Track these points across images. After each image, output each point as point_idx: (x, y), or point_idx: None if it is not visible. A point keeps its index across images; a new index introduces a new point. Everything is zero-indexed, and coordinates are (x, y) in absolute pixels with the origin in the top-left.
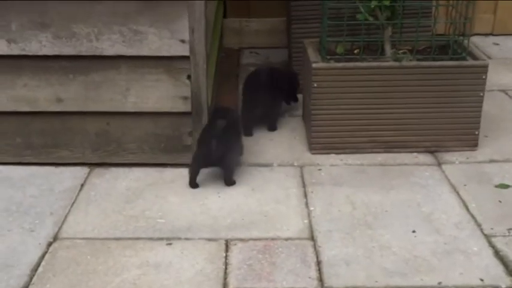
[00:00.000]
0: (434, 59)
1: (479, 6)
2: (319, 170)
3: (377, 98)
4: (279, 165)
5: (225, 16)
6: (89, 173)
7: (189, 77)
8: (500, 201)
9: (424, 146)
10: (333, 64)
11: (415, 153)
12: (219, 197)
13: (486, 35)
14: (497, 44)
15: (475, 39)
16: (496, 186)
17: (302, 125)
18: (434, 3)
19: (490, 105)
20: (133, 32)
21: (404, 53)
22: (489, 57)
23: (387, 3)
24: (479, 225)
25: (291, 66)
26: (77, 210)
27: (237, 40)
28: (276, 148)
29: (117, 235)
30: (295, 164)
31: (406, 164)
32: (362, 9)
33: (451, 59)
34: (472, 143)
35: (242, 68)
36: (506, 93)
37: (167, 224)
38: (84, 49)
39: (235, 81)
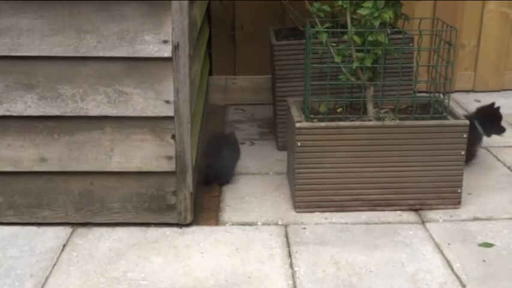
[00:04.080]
0: (416, 118)
1: (460, 63)
2: (304, 228)
3: (360, 156)
4: (264, 224)
5: (211, 73)
6: (71, 233)
7: (173, 136)
8: (484, 261)
9: (408, 204)
10: (316, 123)
11: (399, 212)
12: (203, 257)
13: (467, 91)
14: (479, 101)
15: (456, 96)
16: (480, 245)
17: (286, 183)
18: (414, 63)
19: (473, 162)
20: (118, 93)
21: (386, 112)
22: None
23: (369, 64)
24: (464, 285)
25: (275, 123)
26: (58, 272)
27: (222, 97)
28: (261, 206)
29: None
30: (280, 223)
31: (390, 223)
32: (344, 70)
33: (432, 118)
34: (455, 201)
35: (228, 125)
36: (488, 150)
37: (150, 286)
38: (69, 110)
39: None
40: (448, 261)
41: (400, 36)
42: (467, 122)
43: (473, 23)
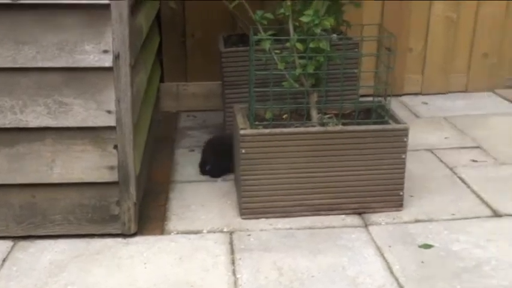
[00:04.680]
0: (358, 123)
1: (408, 67)
2: (249, 235)
3: (304, 162)
4: (209, 231)
5: (162, 80)
6: (12, 247)
7: (115, 146)
8: (422, 262)
9: (352, 208)
10: (260, 130)
11: (343, 216)
12: (146, 267)
13: (416, 94)
14: (426, 103)
15: (405, 99)
16: (420, 247)
17: (234, 190)
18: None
19: (416, 164)
20: (58, 103)
21: (330, 117)
22: (418, 116)
23: (311, 70)
24: (401, 287)
25: (225, 130)
26: None
27: (175, 104)
28: (207, 214)
29: None
30: (225, 230)
31: (334, 227)
32: (288, 77)
33: (374, 123)
34: (398, 204)
35: (179, 132)
36: (432, 152)
37: None
38: (8, 121)
39: (170, 145)
40: (388, 264)
41: (347, 42)
42: (407, 126)
43: (420, 27)
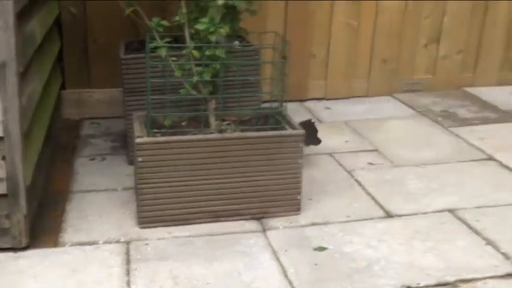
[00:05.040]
0: (256, 130)
1: (312, 72)
2: (146, 244)
3: (203, 169)
4: (105, 242)
5: (64, 87)
6: None
7: (3, 158)
8: (316, 264)
9: (251, 213)
10: (156, 138)
11: (242, 221)
12: (36, 281)
13: (319, 99)
14: (329, 108)
15: (309, 104)
16: (315, 250)
17: (134, 199)
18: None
19: (317, 168)
20: None
21: (229, 124)
22: (321, 121)
23: (207, 78)
24: None
25: (126, 137)
26: None
27: (77, 111)
28: (104, 224)
29: None
30: (122, 240)
31: (232, 233)
32: (185, 84)
33: (272, 129)
34: (296, 208)
35: (81, 140)
36: (332, 156)
37: None
38: None
39: (70, 154)
40: (283, 268)
41: (247, 49)
42: (303, 131)
43: (323, 34)
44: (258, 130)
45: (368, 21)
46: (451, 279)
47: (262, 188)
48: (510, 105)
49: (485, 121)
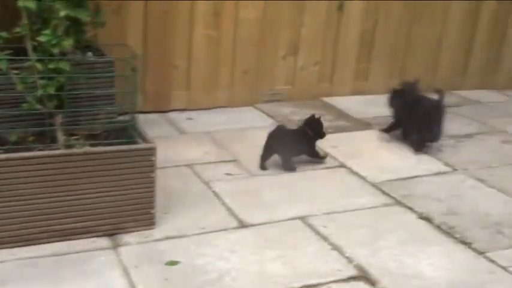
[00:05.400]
0: (107, 144)
1: (174, 83)
2: None
3: (50, 186)
4: None
5: None
6: None
7: None
8: (166, 279)
9: (103, 230)
10: None
11: (94, 238)
12: None
13: (182, 110)
14: (191, 119)
15: (172, 115)
16: (166, 264)
17: None
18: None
19: (175, 180)
20: None
21: (78, 139)
22: (182, 132)
23: (52, 91)
24: None
25: None
26: None
27: None
28: None
29: None
30: None
31: (82, 251)
32: (28, 98)
33: (122, 143)
34: (150, 222)
35: None
36: (191, 168)
37: None
38: None
39: None
40: (133, 284)
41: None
42: (154, 145)
43: (184, 45)
44: (108, 145)
45: (228, 32)
46: (297, 285)
47: (114, 203)
48: (362, 114)
49: (339, 129)
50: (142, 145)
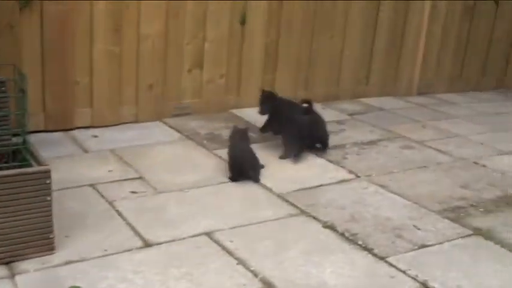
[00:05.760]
0: None
1: (77, 100)
2: None
3: None
4: None
5: None
6: None
7: None
8: None
9: None
10: None
11: None
12: None
13: (87, 127)
14: (96, 136)
15: (75, 133)
16: None
17: None
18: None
19: (77, 202)
20: None
21: None
22: (86, 151)
23: None
24: None
25: None
26: None
27: None
28: None
29: None
30: None
31: None
32: None
33: (14, 167)
34: (49, 247)
35: None
36: (95, 188)
37: None
38: None
39: None
40: None
41: None
42: (48, 167)
43: (85, 61)
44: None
45: (130, 48)
46: None
47: (9, 230)
48: None
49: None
50: (35, 168)
